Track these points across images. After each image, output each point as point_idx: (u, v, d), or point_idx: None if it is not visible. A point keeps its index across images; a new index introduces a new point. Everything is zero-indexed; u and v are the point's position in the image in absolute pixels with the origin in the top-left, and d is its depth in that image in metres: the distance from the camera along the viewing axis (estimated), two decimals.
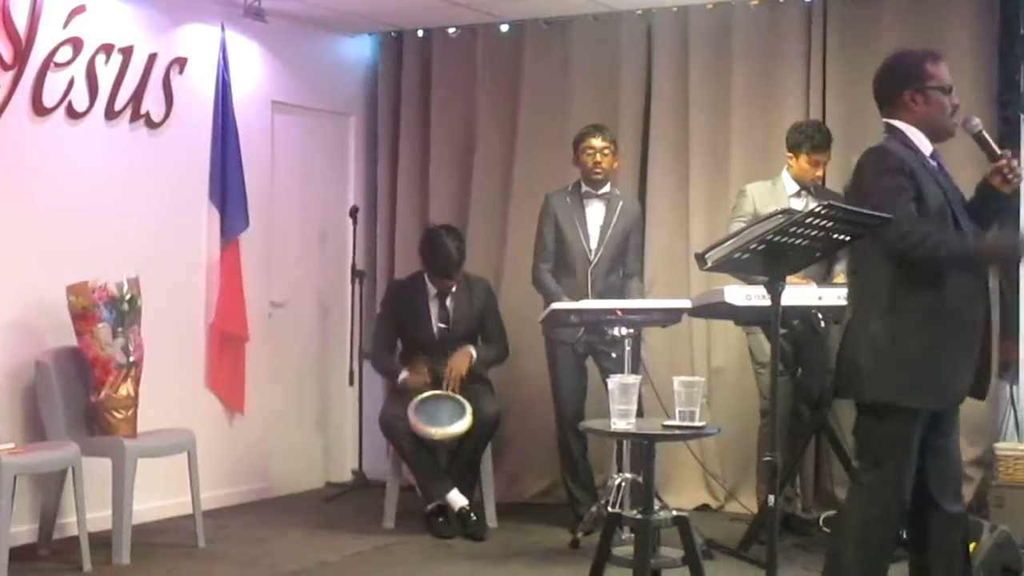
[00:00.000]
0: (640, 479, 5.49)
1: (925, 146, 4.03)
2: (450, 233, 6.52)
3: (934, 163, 4.04)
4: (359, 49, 7.96)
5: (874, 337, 3.95)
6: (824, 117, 6.61)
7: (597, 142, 6.32)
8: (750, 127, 6.86)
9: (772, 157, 6.52)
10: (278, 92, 7.36)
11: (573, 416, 6.28)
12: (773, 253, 4.14)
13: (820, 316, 5.73)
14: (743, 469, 6.70)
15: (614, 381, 4.40)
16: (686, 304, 5.96)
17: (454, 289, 6.55)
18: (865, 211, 4.24)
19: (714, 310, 5.81)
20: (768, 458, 4.18)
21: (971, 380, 4.02)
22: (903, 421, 3.93)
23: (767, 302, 4.28)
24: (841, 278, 6.03)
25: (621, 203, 6.42)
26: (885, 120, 4.10)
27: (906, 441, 3.95)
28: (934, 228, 3.89)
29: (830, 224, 4.13)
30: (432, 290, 6.55)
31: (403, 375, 6.49)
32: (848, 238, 4.33)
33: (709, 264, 4.28)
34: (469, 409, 6.23)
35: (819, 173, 6.16)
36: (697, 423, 4.34)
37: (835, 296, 5.67)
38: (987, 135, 4.08)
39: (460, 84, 7.64)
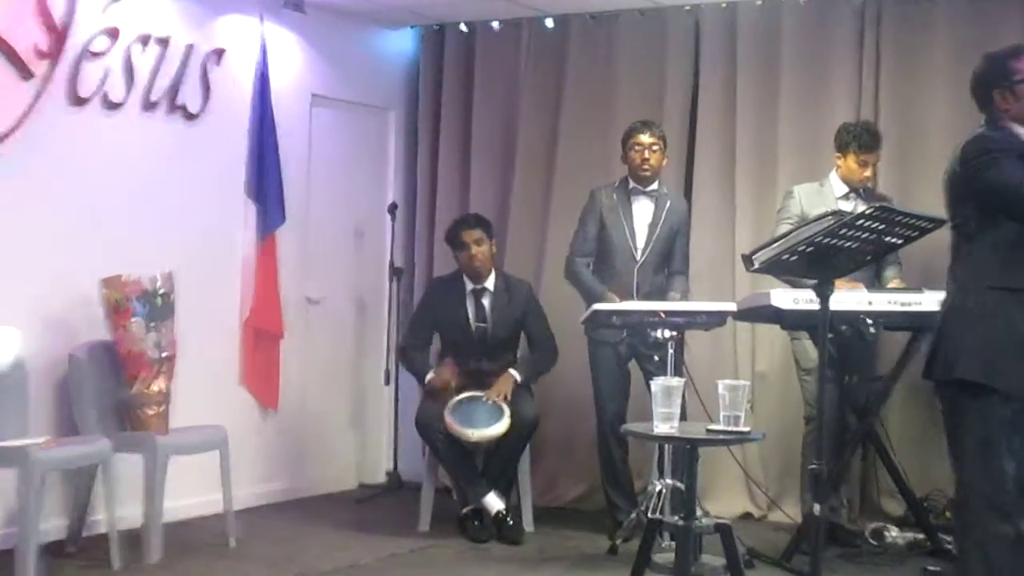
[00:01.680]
0: (681, 485, 5.51)
1: None
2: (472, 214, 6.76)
3: None
4: (400, 42, 7.97)
5: (972, 314, 3.90)
6: (876, 117, 6.56)
7: (646, 138, 6.27)
8: (799, 126, 6.83)
9: (821, 158, 6.47)
10: (317, 85, 7.37)
11: (614, 419, 6.25)
12: (822, 256, 4.14)
13: (869, 321, 5.66)
14: (786, 477, 6.66)
15: (657, 383, 4.39)
16: (731, 307, 5.93)
17: (490, 287, 6.55)
18: (917, 213, 4.23)
19: (760, 313, 5.78)
20: (814, 466, 4.16)
21: None
22: (993, 403, 3.85)
23: (814, 306, 4.29)
24: (895, 283, 5.99)
25: (669, 201, 6.38)
26: (987, 119, 4.06)
27: (997, 425, 3.85)
28: None
29: (881, 227, 4.12)
30: (468, 286, 6.55)
31: (429, 376, 6.48)
32: (900, 241, 4.32)
33: (756, 265, 4.27)
34: (507, 411, 6.22)
35: (867, 175, 6.11)
36: (742, 428, 4.32)
37: (885, 301, 5.64)
38: None
39: (503, 79, 7.64)
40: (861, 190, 6.11)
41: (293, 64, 7.22)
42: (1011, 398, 3.85)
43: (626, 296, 6.18)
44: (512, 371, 6.46)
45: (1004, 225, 3.89)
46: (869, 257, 4.53)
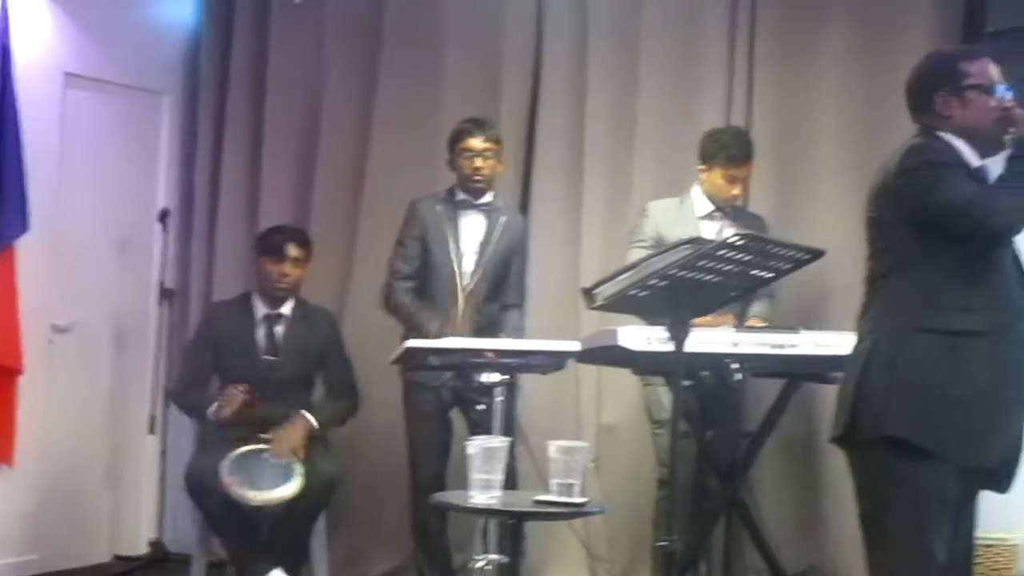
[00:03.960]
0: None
1: (971, 159, 3.99)
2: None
3: (982, 180, 3.97)
4: (178, 11, 7.91)
5: (902, 363, 3.84)
6: (749, 123, 6.67)
7: (477, 142, 6.30)
8: (659, 132, 6.88)
9: (685, 169, 6.54)
10: (72, 62, 7.26)
11: (432, 480, 6.24)
12: (678, 291, 4.19)
13: (735, 366, 5.72)
14: (638, 551, 6.69)
15: (475, 445, 4.39)
16: (573, 347, 5.94)
17: (287, 312, 6.56)
18: (792, 242, 4.30)
19: (607, 355, 5.78)
20: (664, 543, 4.19)
21: (1019, 440, 3.93)
22: (929, 472, 3.81)
23: (671, 347, 4.31)
24: (755, 322, 6.08)
25: (504, 217, 6.42)
26: (922, 129, 4.07)
27: (933, 499, 3.82)
28: (1002, 189, 3.87)
29: (749, 258, 4.17)
30: (260, 311, 6.55)
31: (216, 406, 6.37)
32: (771, 275, 4.39)
33: (599, 302, 4.30)
34: (299, 469, 6.17)
35: (736, 192, 6.21)
36: (576, 499, 4.33)
37: (754, 342, 5.71)
38: None
39: (304, 60, 7.62)
40: (728, 208, 6.21)
41: (42, 35, 7.09)
42: (951, 466, 3.82)
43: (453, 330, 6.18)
44: (306, 414, 6.43)
45: (942, 255, 3.87)
46: (734, 293, 4.60)
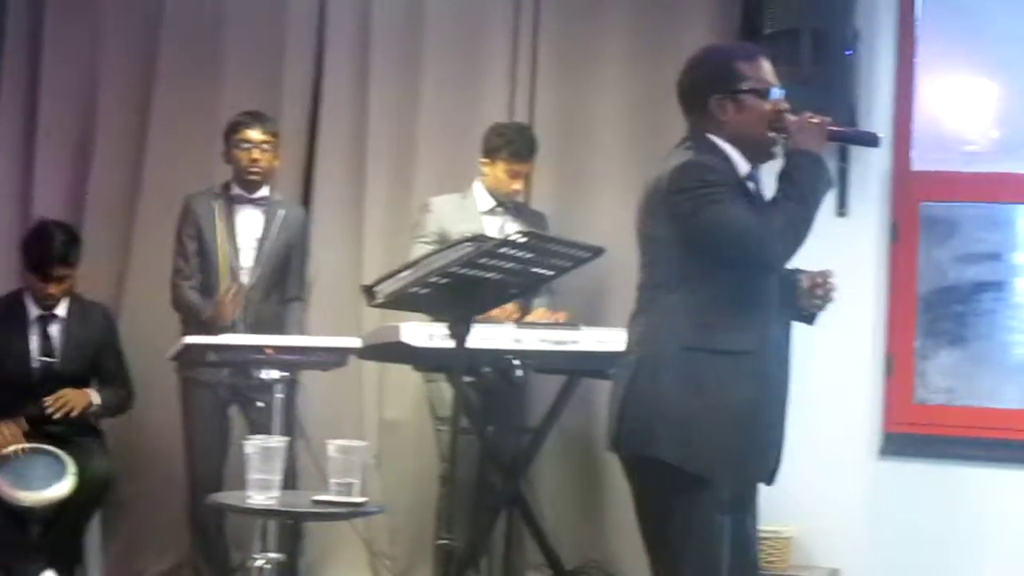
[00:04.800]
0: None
1: (741, 166, 3.88)
2: (62, 227, 6.49)
3: (752, 185, 3.91)
4: None
5: (670, 381, 3.75)
6: (532, 120, 6.71)
7: (255, 134, 6.30)
8: (442, 127, 6.90)
9: (468, 165, 6.56)
10: None
11: (209, 479, 6.16)
12: (459, 289, 4.17)
13: (517, 362, 5.73)
14: (420, 547, 6.68)
15: (252, 445, 4.35)
16: (355, 343, 5.91)
17: (61, 313, 6.44)
18: (573, 240, 4.31)
19: (389, 351, 5.77)
20: (444, 541, 4.18)
21: (780, 450, 3.92)
22: (705, 491, 3.75)
23: (452, 343, 4.30)
24: (539, 314, 6.10)
25: (283, 211, 6.39)
26: (693, 131, 3.94)
27: (712, 514, 3.77)
28: (776, 212, 3.78)
29: (530, 256, 4.17)
30: (33, 313, 6.42)
31: None
32: (551, 272, 4.40)
33: (380, 300, 4.27)
34: (71, 468, 6.07)
35: (517, 187, 6.25)
36: (356, 498, 4.31)
37: (536, 339, 5.73)
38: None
39: (79, 47, 7.43)
40: (511, 205, 6.23)
41: None
42: (724, 484, 3.79)
43: (229, 326, 6.12)
44: (89, 391, 6.37)
45: (711, 274, 3.79)
46: (515, 291, 4.60)
